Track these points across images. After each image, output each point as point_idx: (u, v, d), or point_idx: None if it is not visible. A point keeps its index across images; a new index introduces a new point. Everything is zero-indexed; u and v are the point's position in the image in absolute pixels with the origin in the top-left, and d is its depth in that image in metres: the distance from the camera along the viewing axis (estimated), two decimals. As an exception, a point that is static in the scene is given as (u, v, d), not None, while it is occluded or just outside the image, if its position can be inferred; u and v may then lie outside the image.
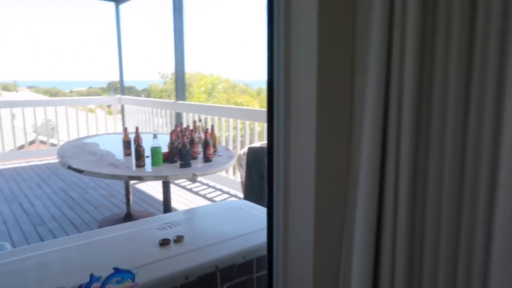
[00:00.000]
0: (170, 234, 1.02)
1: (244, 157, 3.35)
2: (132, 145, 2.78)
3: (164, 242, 0.99)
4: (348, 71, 0.87)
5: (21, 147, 6.19)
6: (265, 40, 0.95)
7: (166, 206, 2.68)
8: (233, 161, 2.87)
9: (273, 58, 0.94)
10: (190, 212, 1.38)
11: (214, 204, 2.02)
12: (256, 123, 4.22)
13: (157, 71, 21.50)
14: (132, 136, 2.85)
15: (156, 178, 2.53)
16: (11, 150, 5.88)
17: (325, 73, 0.84)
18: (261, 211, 1.22)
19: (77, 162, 2.63)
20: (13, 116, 6.66)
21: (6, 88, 46.60)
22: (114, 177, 2.32)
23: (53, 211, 3.78)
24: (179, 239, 1.00)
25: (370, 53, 0.79)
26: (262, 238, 0.97)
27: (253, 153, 2.42)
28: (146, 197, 4.16)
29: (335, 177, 0.92)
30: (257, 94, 24.20)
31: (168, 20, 5.09)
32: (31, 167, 5.58)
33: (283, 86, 0.91)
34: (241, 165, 3.37)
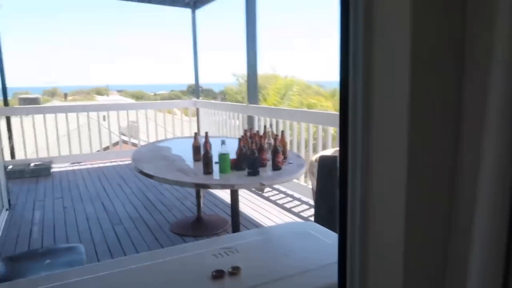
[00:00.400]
0: (226, 263, 0.89)
1: (316, 164, 3.15)
2: (202, 151, 2.75)
3: (218, 275, 0.86)
4: (454, 62, 0.66)
5: (107, 148, 6.65)
6: (338, 28, 0.76)
7: (234, 215, 2.59)
8: (304, 169, 2.69)
9: (349, 48, 0.75)
10: (251, 236, 1.24)
11: (278, 226, 1.83)
12: (330, 127, 3.99)
13: (232, 73, 22.00)
14: (202, 141, 2.82)
15: (222, 187, 2.46)
16: (98, 150, 6.34)
17: (420, 66, 0.64)
18: (333, 238, 1.04)
19: (148, 166, 2.67)
20: (102, 118, 7.21)
21: (99, 92, 51.58)
22: (181, 184, 2.29)
23: (130, 210, 3.95)
24: (235, 272, 0.87)
25: (494, 38, 0.57)
26: (333, 276, 0.79)
27: (324, 163, 2.19)
28: (217, 200, 4.17)
29: (434, 198, 0.71)
30: (331, 95, 23.56)
31: (242, 22, 5.08)
32: (114, 167, 5.96)
33: (362, 87, 0.72)
34: (312, 173, 3.18)
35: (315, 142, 4.11)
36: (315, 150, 4.19)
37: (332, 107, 19.01)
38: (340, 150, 0.80)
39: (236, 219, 2.62)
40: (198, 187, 2.67)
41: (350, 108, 0.77)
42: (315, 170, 3.12)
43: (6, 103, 5.55)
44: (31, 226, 3.57)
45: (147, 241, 3.20)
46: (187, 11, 6.60)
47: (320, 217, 2.09)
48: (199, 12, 6.56)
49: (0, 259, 1.98)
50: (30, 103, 11.88)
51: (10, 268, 1.80)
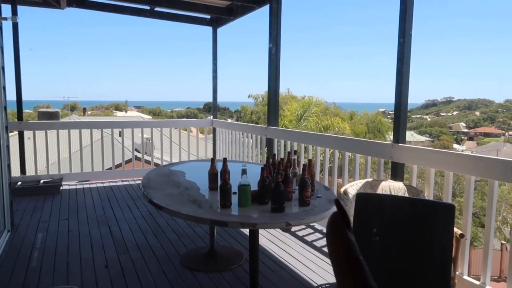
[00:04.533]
0: None
1: (346, 197, 2.81)
2: (219, 179, 2.46)
3: None
4: None
5: (119, 165, 6.42)
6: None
7: (253, 257, 2.26)
8: (335, 206, 2.35)
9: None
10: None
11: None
12: (358, 155, 3.65)
13: (248, 93, 21.96)
14: (219, 167, 2.53)
15: (242, 225, 2.14)
16: (110, 168, 6.11)
17: None
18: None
19: (159, 195, 2.38)
20: (118, 134, 7.02)
21: (118, 107, 52.32)
22: (195, 219, 1.99)
23: (138, 237, 3.65)
24: None
25: None
26: None
27: (373, 206, 1.78)
28: (232, 229, 3.83)
29: None
30: (350, 117, 23.14)
31: (265, 42, 4.86)
32: (125, 186, 5.70)
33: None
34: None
35: (340, 168, 3.77)
36: (338, 177, 3.85)
37: (348, 129, 18.59)
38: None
39: (255, 261, 2.28)
40: (214, 224, 2.36)
41: None
42: (343, 204, 2.78)
43: (20, 117, 5.41)
44: (31, 251, 3.30)
45: (154, 274, 2.88)
46: (208, 29, 6.44)
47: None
48: (221, 30, 6.39)
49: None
50: (49, 117, 11.85)
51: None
